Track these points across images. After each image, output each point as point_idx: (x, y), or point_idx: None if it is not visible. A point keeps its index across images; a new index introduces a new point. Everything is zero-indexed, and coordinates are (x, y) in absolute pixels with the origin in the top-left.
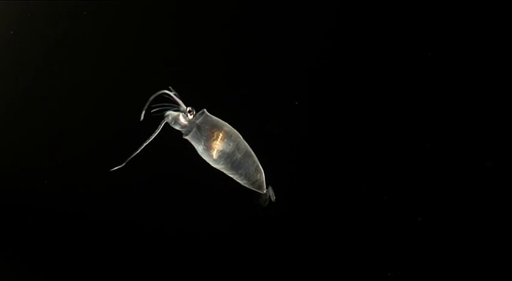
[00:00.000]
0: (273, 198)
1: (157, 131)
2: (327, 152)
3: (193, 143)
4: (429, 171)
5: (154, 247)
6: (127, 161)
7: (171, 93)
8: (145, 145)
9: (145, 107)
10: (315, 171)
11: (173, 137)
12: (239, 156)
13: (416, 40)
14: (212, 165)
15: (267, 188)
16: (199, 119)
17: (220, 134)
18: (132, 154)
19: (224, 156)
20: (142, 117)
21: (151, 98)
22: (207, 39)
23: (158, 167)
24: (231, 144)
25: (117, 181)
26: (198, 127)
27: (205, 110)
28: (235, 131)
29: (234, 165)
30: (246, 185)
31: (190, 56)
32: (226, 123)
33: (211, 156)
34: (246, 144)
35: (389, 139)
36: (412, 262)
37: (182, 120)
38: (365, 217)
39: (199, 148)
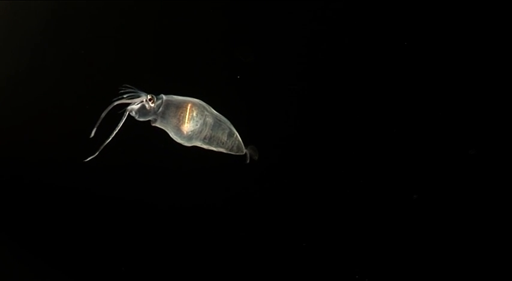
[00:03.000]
0: (256, 156)
1: (122, 122)
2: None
3: (163, 128)
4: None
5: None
6: (99, 150)
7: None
8: (112, 136)
9: (97, 123)
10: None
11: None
12: (210, 128)
13: (399, 36)
14: (187, 145)
15: (246, 148)
16: (162, 105)
17: (187, 114)
18: (100, 146)
19: (196, 135)
20: (93, 134)
21: (103, 114)
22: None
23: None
24: (200, 121)
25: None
26: (163, 113)
27: (163, 95)
28: (201, 103)
29: (207, 140)
30: (225, 152)
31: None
32: (190, 99)
33: (184, 136)
34: (214, 111)
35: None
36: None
37: (147, 108)
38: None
39: (170, 132)
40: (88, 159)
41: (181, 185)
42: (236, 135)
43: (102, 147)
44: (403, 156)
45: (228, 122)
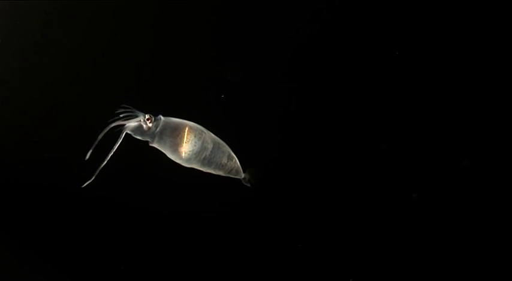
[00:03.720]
0: (254, 180)
1: (119, 143)
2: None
3: (160, 148)
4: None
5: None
6: (95, 175)
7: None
8: (108, 158)
9: (94, 146)
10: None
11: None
12: (209, 151)
13: (389, 40)
14: (185, 165)
15: (244, 172)
16: (160, 126)
17: (185, 136)
18: (98, 168)
19: (194, 155)
20: (88, 156)
21: (100, 136)
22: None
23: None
24: (198, 142)
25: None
26: (160, 134)
27: (161, 116)
28: (199, 126)
29: (205, 161)
30: (223, 175)
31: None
32: (188, 122)
33: (182, 158)
34: (212, 135)
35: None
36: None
37: (144, 128)
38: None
39: (168, 153)
40: (85, 184)
41: (179, 187)
42: (235, 159)
43: (98, 170)
44: (402, 155)
45: (227, 146)
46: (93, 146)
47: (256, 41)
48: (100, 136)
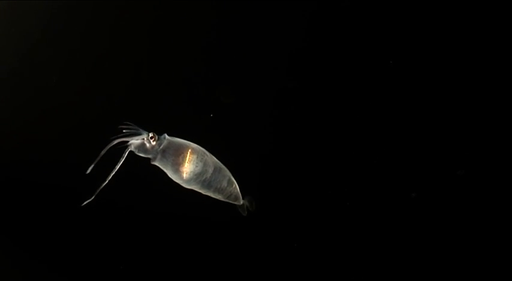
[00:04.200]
0: (252, 208)
1: (122, 161)
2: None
3: (162, 167)
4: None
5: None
6: (96, 193)
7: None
8: (111, 176)
9: (96, 160)
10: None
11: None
12: (209, 173)
13: (381, 49)
14: (185, 186)
15: (243, 198)
16: (163, 145)
17: (187, 156)
18: (100, 186)
19: (194, 176)
20: (89, 171)
21: (102, 152)
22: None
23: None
24: (199, 163)
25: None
26: (163, 152)
27: (166, 134)
28: (201, 148)
29: (205, 183)
30: (221, 200)
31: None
32: (191, 143)
33: (182, 178)
34: (214, 159)
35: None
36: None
37: (147, 146)
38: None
39: (169, 172)
40: (85, 203)
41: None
42: (235, 185)
43: (99, 189)
44: (401, 154)
45: (228, 171)
46: (95, 161)
47: (249, 59)
48: (103, 152)
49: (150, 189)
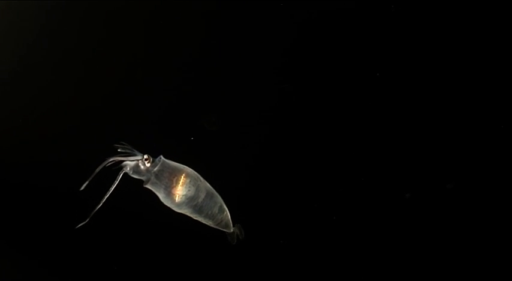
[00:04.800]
0: (242, 236)
1: (116, 183)
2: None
3: (154, 190)
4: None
5: None
6: (90, 216)
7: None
8: (105, 198)
9: (91, 177)
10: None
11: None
12: (201, 199)
13: (374, 54)
14: (175, 210)
15: (234, 226)
16: (157, 167)
17: (181, 179)
18: (94, 209)
19: (186, 201)
20: (83, 187)
21: (97, 170)
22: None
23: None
24: (192, 188)
25: None
26: (157, 175)
27: (161, 156)
28: (195, 173)
29: (197, 208)
30: (212, 226)
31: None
32: (185, 167)
33: (174, 201)
34: (208, 185)
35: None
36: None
37: (142, 168)
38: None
39: (161, 195)
40: (79, 225)
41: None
42: (227, 212)
43: (93, 212)
44: (396, 154)
45: (220, 198)
46: (90, 179)
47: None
48: (97, 170)
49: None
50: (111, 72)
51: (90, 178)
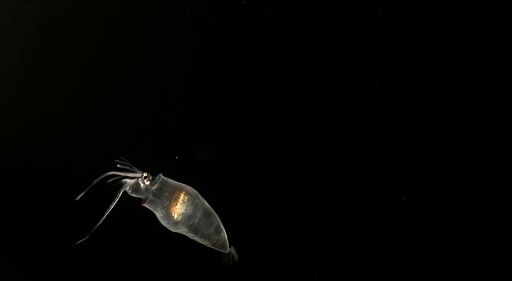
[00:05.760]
0: (236, 257)
1: (116, 200)
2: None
3: (152, 209)
4: None
5: None
6: (90, 233)
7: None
8: (105, 216)
9: (87, 189)
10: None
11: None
12: (198, 218)
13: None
14: (172, 230)
15: (230, 247)
16: (156, 185)
17: (180, 197)
18: (94, 226)
19: (183, 219)
20: (79, 198)
21: (95, 181)
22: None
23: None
24: (190, 207)
25: None
26: (155, 193)
27: (161, 174)
28: (195, 191)
29: (193, 228)
30: (208, 246)
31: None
32: (184, 185)
33: (172, 220)
34: (206, 204)
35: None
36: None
37: (141, 186)
38: None
39: (158, 214)
40: (79, 241)
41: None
42: (223, 233)
43: (93, 229)
44: (392, 157)
45: (218, 218)
46: (87, 190)
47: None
48: (94, 182)
49: None
50: (110, 75)
51: (87, 189)
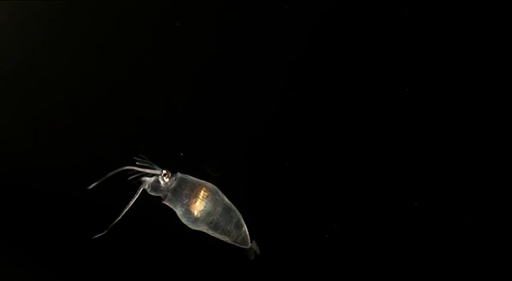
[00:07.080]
0: (258, 251)
1: (136, 197)
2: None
3: (172, 206)
4: None
5: None
6: (108, 228)
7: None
8: (124, 212)
9: (101, 180)
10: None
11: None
12: (219, 213)
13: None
14: (192, 227)
15: (251, 242)
16: (175, 183)
17: (200, 194)
18: (112, 222)
19: (204, 215)
20: (92, 187)
21: (110, 174)
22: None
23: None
24: (210, 203)
25: None
26: (175, 190)
27: (179, 173)
28: (214, 187)
29: (212, 225)
30: (229, 242)
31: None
32: (203, 181)
33: (192, 217)
34: (226, 200)
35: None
36: None
37: (161, 184)
38: None
39: (179, 211)
40: (96, 236)
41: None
42: (244, 228)
43: (112, 224)
44: (405, 162)
45: (238, 213)
46: (101, 180)
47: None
48: (110, 173)
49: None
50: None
51: (101, 180)
